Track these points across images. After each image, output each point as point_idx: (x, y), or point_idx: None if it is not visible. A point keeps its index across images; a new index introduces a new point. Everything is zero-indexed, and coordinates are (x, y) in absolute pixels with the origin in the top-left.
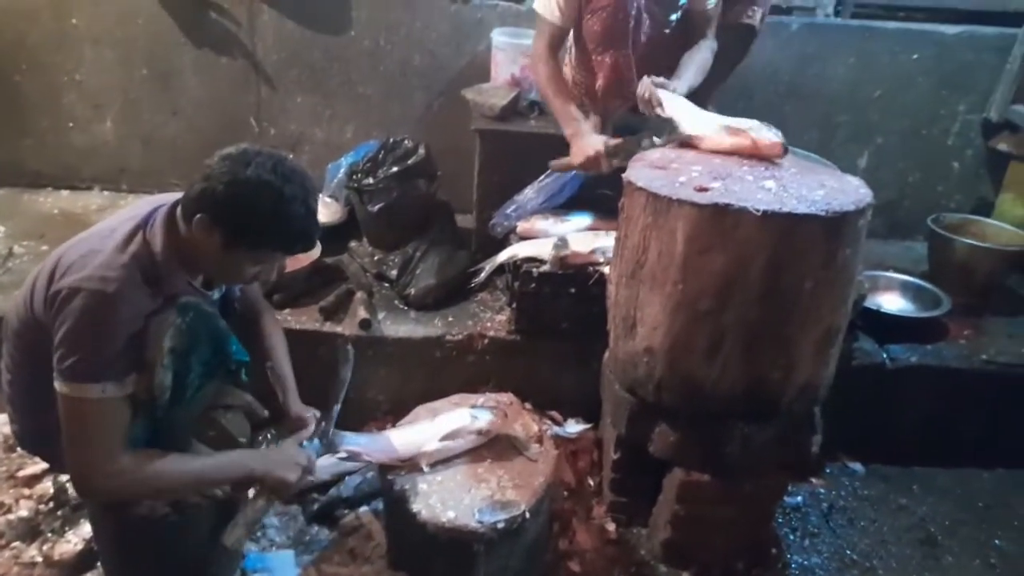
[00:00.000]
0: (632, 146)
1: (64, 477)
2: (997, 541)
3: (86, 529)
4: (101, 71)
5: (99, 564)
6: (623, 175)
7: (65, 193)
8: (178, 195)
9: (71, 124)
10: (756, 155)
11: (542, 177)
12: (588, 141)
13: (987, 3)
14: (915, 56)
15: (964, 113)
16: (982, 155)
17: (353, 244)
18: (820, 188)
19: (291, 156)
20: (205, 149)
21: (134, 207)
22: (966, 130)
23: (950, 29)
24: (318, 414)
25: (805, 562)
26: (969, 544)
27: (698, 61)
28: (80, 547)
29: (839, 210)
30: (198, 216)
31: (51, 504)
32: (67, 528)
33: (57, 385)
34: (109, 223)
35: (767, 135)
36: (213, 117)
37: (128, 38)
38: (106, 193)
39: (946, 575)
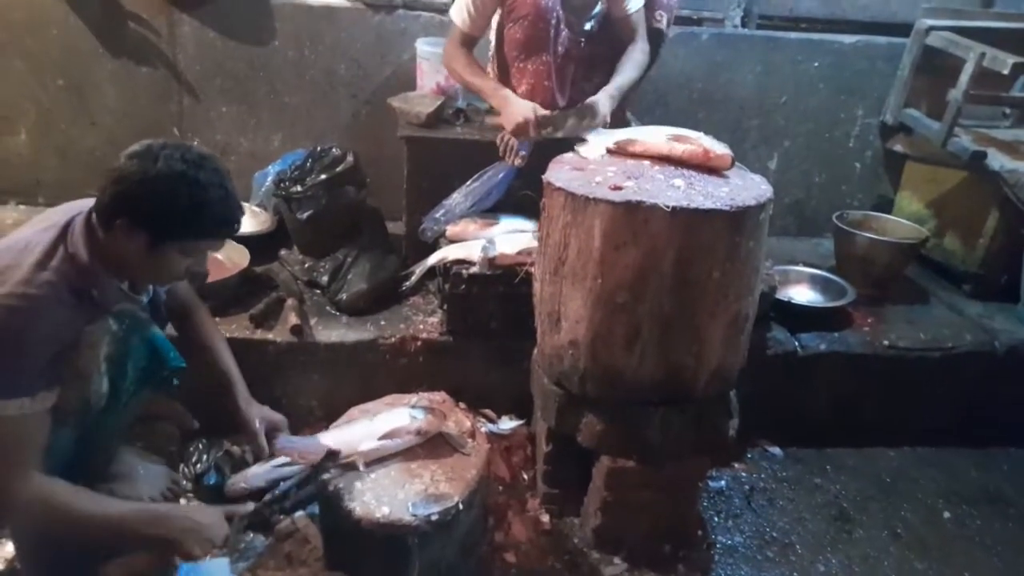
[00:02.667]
0: (561, 120)
1: None
2: (903, 513)
3: (8, 549)
4: (12, 82)
5: None
6: (543, 177)
7: None
8: (90, 201)
9: None
10: (705, 164)
11: (469, 181)
12: (517, 108)
13: (878, 15)
14: (816, 64)
15: (863, 117)
16: (880, 156)
17: (283, 252)
18: (725, 185)
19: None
20: None
21: (46, 218)
22: (865, 133)
23: (847, 39)
24: (264, 420)
25: (729, 542)
26: (878, 518)
27: (630, 60)
28: (1, 567)
29: (742, 205)
30: (118, 221)
31: None
32: None
33: None
34: (22, 235)
35: (718, 146)
36: (133, 128)
37: (41, 48)
38: (22, 207)
39: (858, 547)
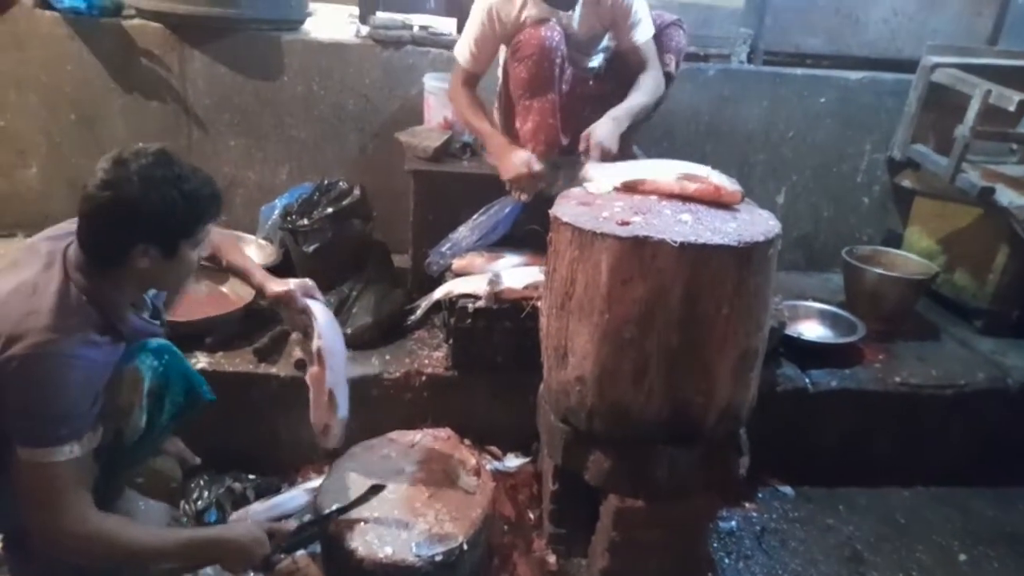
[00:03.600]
0: (552, 176)
1: None
2: (918, 554)
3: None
4: (26, 116)
5: None
6: (550, 211)
7: None
8: (65, 227)
9: None
10: (716, 200)
11: (476, 215)
12: (513, 159)
13: (884, 52)
14: (822, 99)
15: (870, 152)
16: (889, 190)
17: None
18: (733, 220)
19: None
20: None
21: (33, 251)
22: (873, 167)
23: (852, 75)
24: (300, 285)
25: None
26: (892, 559)
27: (639, 85)
28: None
29: (750, 240)
30: (135, 249)
31: None
32: None
33: (20, 453)
34: (22, 279)
35: (728, 182)
36: None
37: (55, 83)
38: (29, 240)
39: None
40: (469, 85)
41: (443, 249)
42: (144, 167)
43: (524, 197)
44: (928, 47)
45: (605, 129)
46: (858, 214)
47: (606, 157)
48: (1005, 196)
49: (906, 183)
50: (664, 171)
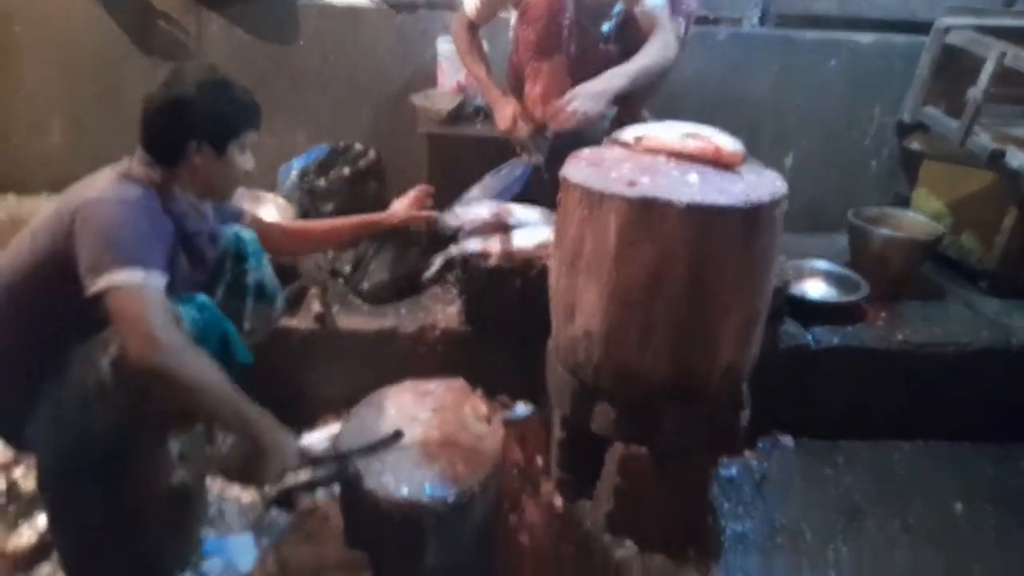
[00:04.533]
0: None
1: (17, 472)
2: (915, 506)
3: (40, 522)
4: (45, 83)
5: (55, 555)
6: (559, 172)
7: (11, 198)
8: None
9: (15, 136)
10: (717, 161)
11: (487, 177)
12: (503, 110)
13: (896, 13)
14: (833, 63)
15: (880, 115)
16: (897, 154)
17: None
18: (740, 182)
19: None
20: None
21: (93, 180)
22: (882, 131)
23: (864, 38)
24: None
25: (739, 529)
26: (889, 510)
27: (644, 49)
28: (34, 540)
29: (756, 201)
30: (190, 145)
31: (3, 499)
32: (20, 521)
33: (99, 283)
34: (79, 187)
35: (729, 143)
36: None
37: (73, 48)
38: (55, 198)
39: (868, 538)
40: (471, 31)
41: (456, 210)
42: (198, 74)
43: (533, 159)
44: (945, 8)
45: (589, 88)
46: (866, 179)
47: (584, 121)
48: (1016, 159)
49: (915, 146)
50: (670, 131)
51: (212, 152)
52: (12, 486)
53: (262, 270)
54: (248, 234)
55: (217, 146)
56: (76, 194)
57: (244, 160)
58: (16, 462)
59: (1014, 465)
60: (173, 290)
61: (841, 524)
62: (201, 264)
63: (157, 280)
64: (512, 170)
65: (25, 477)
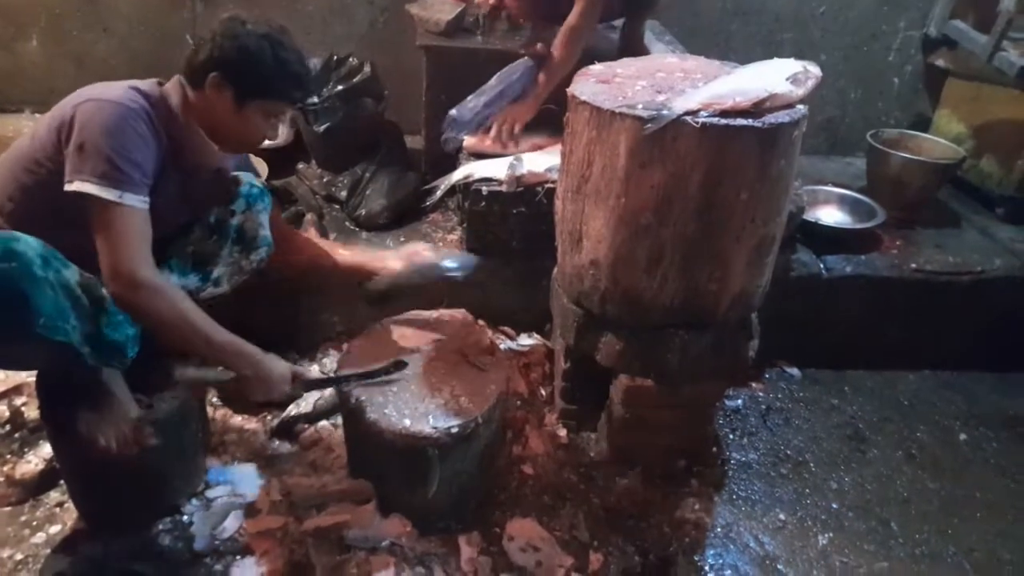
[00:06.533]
0: None
1: (19, 400)
2: (919, 434)
3: (45, 450)
4: None
5: (61, 482)
6: (567, 89)
7: None
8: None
9: None
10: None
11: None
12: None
13: None
14: None
15: (904, 29)
16: (921, 71)
17: (301, 166)
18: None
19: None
20: (140, 68)
21: (106, 85)
22: (906, 46)
23: None
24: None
25: (743, 458)
26: (893, 439)
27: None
28: (41, 467)
29: (775, 122)
30: (212, 75)
31: (8, 427)
32: (26, 449)
33: (75, 184)
34: (101, 85)
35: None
36: (147, 35)
37: None
38: (38, 115)
39: (871, 466)
40: None
41: (451, 113)
42: (259, 24)
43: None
44: None
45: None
46: (887, 97)
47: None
48: None
49: (940, 63)
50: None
51: (230, 96)
52: (16, 414)
53: (255, 218)
54: (254, 180)
55: (238, 94)
56: (86, 90)
57: (264, 125)
58: (17, 390)
59: (1019, 393)
60: (153, 213)
61: (845, 453)
62: (189, 199)
63: (131, 201)
64: (511, 72)
65: (27, 405)
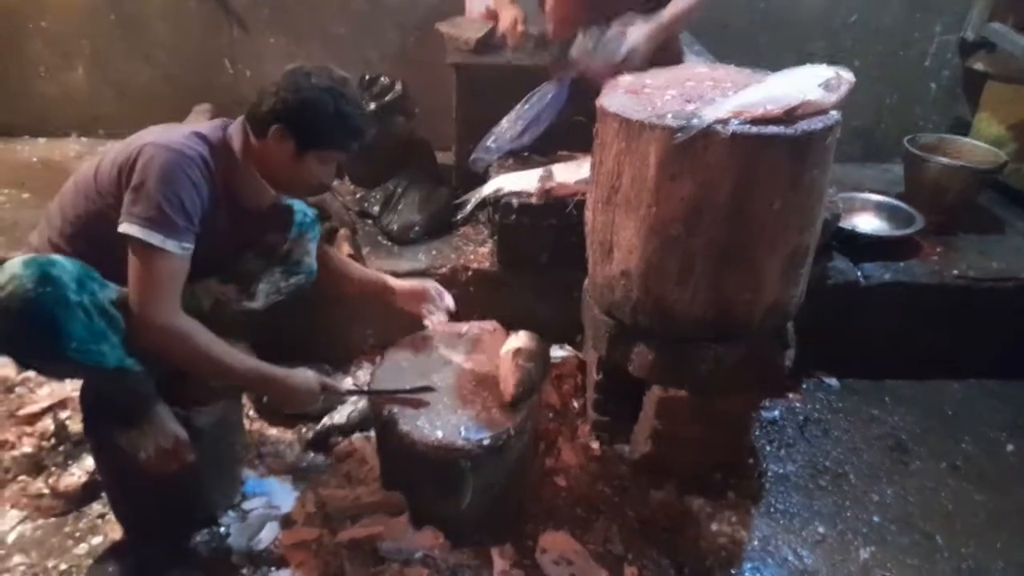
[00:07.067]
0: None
1: (64, 414)
2: (964, 445)
3: (89, 462)
4: (67, 18)
5: (103, 494)
6: (596, 101)
7: (42, 141)
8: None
9: (41, 73)
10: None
11: (518, 105)
12: (507, 12)
13: None
14: None
15: (940, 34)
16: (959, 75)
17: (335, 182)
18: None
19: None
20: (181, 94)
21: (170, 128)
22: (943, 51)
23: None
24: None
25: (781, 471)
26: (937, 450)
27: None
28: (84, 479)
29: (807, 130)
30: (274, 127)
31: (53, 440)
32: (70, 462)
33: (130, 229)
34: (164, 128)
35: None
36: (187, 62)
37: None
38: (84, 140)
39: (914, 478)
40: None
41: (487, 143)
42: (322, 76)
43: (561, 74)
44: None
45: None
46: (924, 102)
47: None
48: None
49: (979, 66)
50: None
51: (291, 146)
52: (61, 427)
53: (304, 245)
54: (307, 209)
55: (298, 144)
56: (151, 132)
57: (320, 172)
58: (62, 404)
59: None
60: (203, 243)
61: (886, 465)
62: (242, 231)
63: (172, 247)
64: (543, 95)
65: (72, 418)
